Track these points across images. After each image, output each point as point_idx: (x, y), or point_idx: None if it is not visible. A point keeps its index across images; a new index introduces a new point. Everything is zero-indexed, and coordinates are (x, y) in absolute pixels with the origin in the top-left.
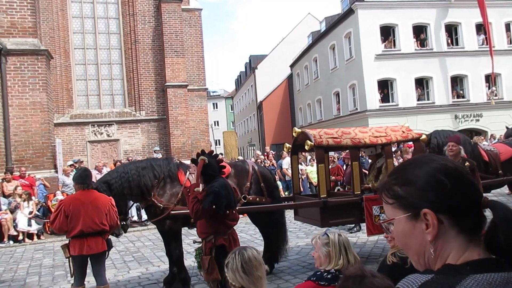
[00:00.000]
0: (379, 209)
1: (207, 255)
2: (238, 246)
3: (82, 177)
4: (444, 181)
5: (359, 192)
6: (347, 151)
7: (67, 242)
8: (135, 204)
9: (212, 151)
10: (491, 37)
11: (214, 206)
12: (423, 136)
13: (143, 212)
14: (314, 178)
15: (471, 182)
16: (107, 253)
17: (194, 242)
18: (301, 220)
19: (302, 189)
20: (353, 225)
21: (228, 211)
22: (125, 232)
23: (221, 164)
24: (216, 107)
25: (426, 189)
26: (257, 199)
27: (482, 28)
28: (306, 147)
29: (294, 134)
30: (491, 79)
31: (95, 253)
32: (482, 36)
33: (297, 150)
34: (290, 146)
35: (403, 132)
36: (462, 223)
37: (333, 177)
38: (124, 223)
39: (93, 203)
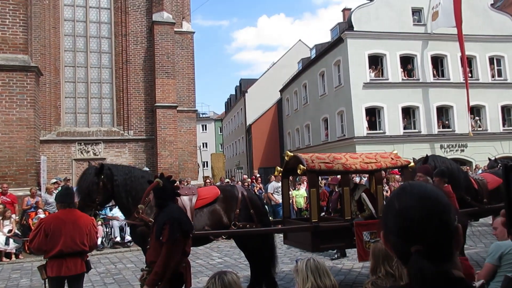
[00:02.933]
0: (369, 235)
1: (163, 285)
2: (190, 273)
3: (63, 195)
4: (393, 222)
5: (349, 218)
6: (333, 176)
7: (44, 262)
8: (117, 225)
9: (171, 176)
10: (466, 70)
11: (178, 234)
12: (411, 163)
13: (126, 233)
14: (298, 202)
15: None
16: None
17: (142, 270)
18: (291, 244)
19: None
20: (335, 250)
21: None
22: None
23: (176, 191)
24: (205, 129)
25: (385, 216)
26: (247, 226)
27: (467, 61)
28: (299, 171)
29: (286, 157)
30: (470, 110)
31: (74, 274)
32: (467, 69)
33: (289, 174)
34: (281, 169)
35: (392, 159)
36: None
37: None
38: (97, 212)
39: (75, 223)
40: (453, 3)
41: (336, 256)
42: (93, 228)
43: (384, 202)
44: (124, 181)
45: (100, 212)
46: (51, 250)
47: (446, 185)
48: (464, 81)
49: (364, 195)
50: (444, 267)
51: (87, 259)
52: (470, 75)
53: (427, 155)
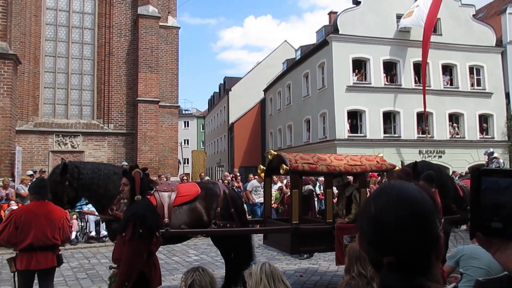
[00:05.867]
0: (349, 239)
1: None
2: (158, 272)
3: (37, 187)
4: (367, 226)
5: (331, 220)
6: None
7: (14, 255)
8: (93, 219)
9: (146, 168)
10: (424, 76)
11: (141, 231)
12: (397, 168)
13: (101, 227)
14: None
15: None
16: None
17: (111, 268)
18: (270, 244)
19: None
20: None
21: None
22: None
23: (150, 185)
24: (188, 126)
25: (360, 218)
26: (228, 225)
27: (448, 69)
28: (281, 171)
29: (269, 156)
30: (424, 118)
31: (43, 268)
32: (448, 77)
33: (271, 173)
34: (264, 168)
35: (378, 162)
36: (375, 266)
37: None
38: (69, 211)
39: (46, 216)
40: (430, 7)
41: (304, 256)
42: (66, 221)
43: None
44: (91, 179)
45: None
46: (21, 243)
47: (434, 190)
48: (444, 89)
49: (356, 192)
50: (419, 281)
51: (59, 253)
52: (450, 83)
53: (416, 162)
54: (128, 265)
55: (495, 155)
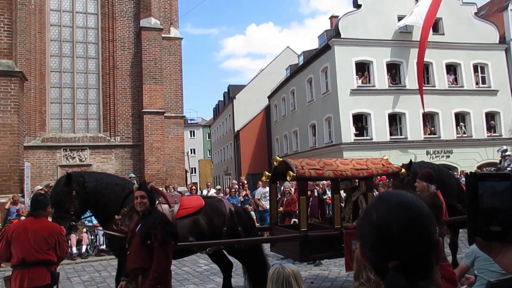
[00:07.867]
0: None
1: None
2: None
3: (31, 202)
4: (368, 233)
5: (339, 226)
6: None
7: (10, 273)
8: (102, 232)
9: (150, 182)
10: (421, 76)
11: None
12: (403, 170)
13: None
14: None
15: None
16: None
17: (123, 280)
18: (278, 252)
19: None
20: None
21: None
22: (71, 233)
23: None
24: (194, 135)
25: (361, 226)
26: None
27: (452, 69)
28: (288, 178)
29: (275, 163)
30: (424, 116)
31: (37, 286)
32: (452, 76)
33: (277, 179)
34: (270, 174)
35: (383, 165)
36: (378, 272)
37: (281, 208)
38: (74, 223)
39: (37, 231)
40: (430, 6)
41: (313, 263)
42: (61, 237)
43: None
44: (95, 187)
45: (81, 221)
46: (13, 257)
47: (436, 190)
48: (449, 88)
49: (362, 197)
50: (421, 284)
51: (55, 270)
52: (455, 82)
53: (411, 160)
54: (162, 271)
55: (508, 152)
